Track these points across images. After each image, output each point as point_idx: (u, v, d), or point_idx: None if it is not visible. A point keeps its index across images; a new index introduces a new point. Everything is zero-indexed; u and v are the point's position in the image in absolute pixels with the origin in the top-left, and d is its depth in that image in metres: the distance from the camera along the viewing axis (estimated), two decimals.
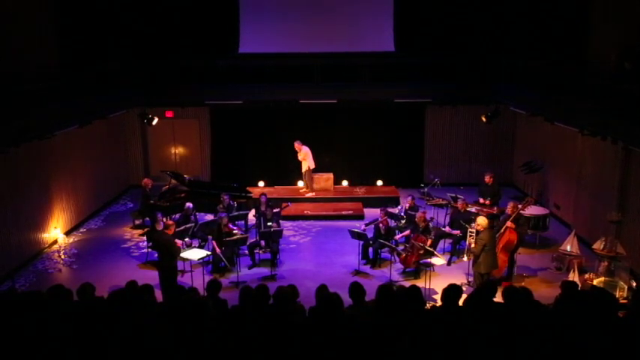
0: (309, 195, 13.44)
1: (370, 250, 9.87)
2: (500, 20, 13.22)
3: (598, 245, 8.66)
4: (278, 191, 13.84)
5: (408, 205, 10.80)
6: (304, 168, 13.29)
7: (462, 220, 9.97)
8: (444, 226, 10.54)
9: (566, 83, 10.20)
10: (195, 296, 5.66)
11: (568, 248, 9.11)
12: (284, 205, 11.47)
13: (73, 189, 11.79)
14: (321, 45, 13.94)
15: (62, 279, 9.20)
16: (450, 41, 13.60)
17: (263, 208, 10.51)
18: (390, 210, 10.83)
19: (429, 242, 9.36)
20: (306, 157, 13.09)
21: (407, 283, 8.20)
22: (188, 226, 9.58)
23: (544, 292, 8.59)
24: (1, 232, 9.26)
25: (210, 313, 5.00)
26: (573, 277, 8.58)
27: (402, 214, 10.68)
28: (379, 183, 14.52)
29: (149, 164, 15.30)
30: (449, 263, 9.80)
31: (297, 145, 12.99)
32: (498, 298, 5.18)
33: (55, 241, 10.98)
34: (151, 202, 11.20)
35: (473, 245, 8.58)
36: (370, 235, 9.94)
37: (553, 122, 10.78)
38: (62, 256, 10.45)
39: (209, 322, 4.58)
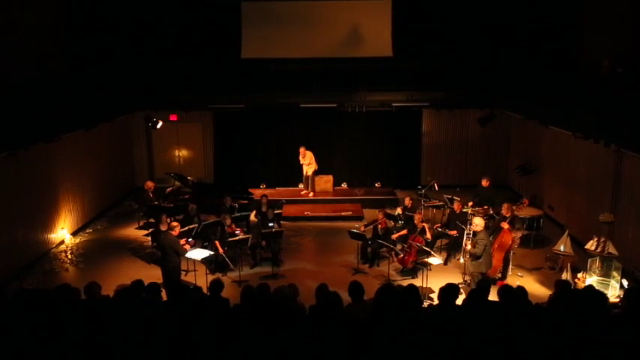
0: (311, 195, 13.73)
1: (369, 250, 10.09)
2: (496, 26, 13.45)
3: (590, 245, 8.79)
4: (279, 193, 14.09)
5: (406, 203, 11.05)
6: (310, 171, 13.58)
7: (458, 221, 10.19)
8: (441, 227, 10.76)
9: (559, 88, 10.45)
10: (199, 295, 5.89)
11: (561, 248, 9.22)
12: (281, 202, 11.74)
13: (79, 190, 12.00)
14: (321, 50, 14.20)
15: (69, 278, 9.35)
16: (447, 47, 13.83)
17: (264, 209, 10.76)
18: (389, 211, 11.06)
19: (429, 237, 9.59)
20: (312, 162, 13.42)
21: (405, 283, 8.40)
22: (192, 226, 9.80)
23: (538, 291, 8.83)
24: (9, 233, 9.43)
25: (213, 311, 5.21)
26: (566, 276, 8.76)
27: (401, 214, 10.91)
28: (377, 185, 14.80)
29: (153, 166, 15.53)
30: (446, 263, 10.00)
31: (302, 150, 13.33)
32: (494, 297, 5.35)
33: (62, 242, 11.19)
34: (155, 203, 11.41)
35: (469, 246, 8.80)
36: (368, 235, 10.18)
37: (547, 126, 11.02)
38: (69, 256, 10.64)
39: (211, 320, 4.78)
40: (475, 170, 14.26)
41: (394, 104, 14.11)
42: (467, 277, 9.17)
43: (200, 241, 9.80)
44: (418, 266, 9.33)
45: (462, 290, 6.43)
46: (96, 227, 12.39)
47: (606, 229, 9.02)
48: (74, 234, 11.68)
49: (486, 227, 9.00)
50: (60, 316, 4.76)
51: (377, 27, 14.38)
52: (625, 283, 8.25)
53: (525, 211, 10.69)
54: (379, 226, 10.13)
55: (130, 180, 15.06)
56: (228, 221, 9.80)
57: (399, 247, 9.71)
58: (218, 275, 9.27)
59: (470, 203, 11.14)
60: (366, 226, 10.53)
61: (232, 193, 11.58)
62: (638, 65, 8.81)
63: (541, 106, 11.11)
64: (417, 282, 8.60)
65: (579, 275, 8.83)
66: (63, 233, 11.23)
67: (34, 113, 9.22)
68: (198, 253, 9.08)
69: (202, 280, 8.83)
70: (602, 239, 8.69)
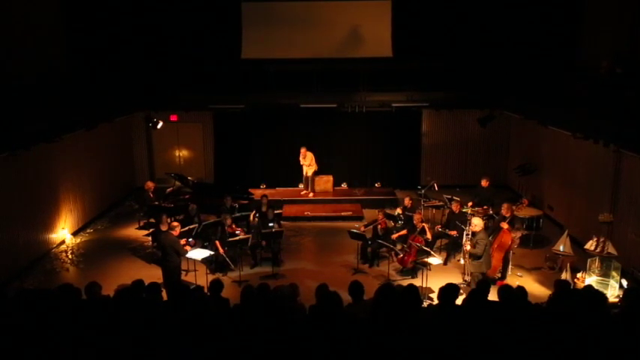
0: (311, 195, 13.76)
1: (369, 250, 10.11)
2: (495, 28, 13.49)
3: (590, 245, 8.83)
4: (279, 193, 14.13)
5: (406, 204, 11.07)
6: (310, 172, 13.61)
7: (457, 221, 10.21)
8: (441, 227, 10.78)
9: (559, 88, 10.48)
10: (200, 294, 5.90)
11: (561, 248, 9.24)
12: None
13: (80, 191, 12.03)
14: (321, 51, 14.23)
15: (70, 278, 9.38)
16: (446, 47, 13.86)
17: (264, 209, 10.79)
18: (389, 212, 11.08)
19: (429, 237, 9.60)
20: (312, 163, 13.47)
21: (405, 283, 8.41)
22: (192, 226, 9.83)
23: (538, 291, 8.85)
24: (10, 233, 9.46)
25: (213, 311, 5.23)
26: (566, 276, 8.79)
27: (401, 215, 10.93)
28: (377, 185, 14.83)
29: (154, 167, 15.56)
30: (445, 263, 10.02)
31: (303, 151, 13.37)
32: (494, 296, 5.37)
33: (63, 242, 11.22)
34: (156, 203, 11.45)
35: (468, 247, 8.83)
36: (368, 235, 10.20)
37: (547, 126, 11.05)
38: (70, 256, 10.68)
39: (211, 320, 4.79)
40: (475, 170, 14.29)
41: (394, 104, 14.13)
42: (467, 277, 9.19)
43: (200, 241, 9.82)
44: (418, 266, 9.36)
45: (461, 290, 6.45)
46: (96, 227, 12.42)
47: (606, 229, 9.05)
48: (75, 234, 11.71)
49: (486, 227, 9.01)
50: (60, 316, 4.78)
51: (377, 27, 14.40)
52: (624, 282, 8.27)
53: (525, 211, 10.72)
54: (379, 226, 10.16)
55: (131, 180, 15.09)
56: (228, 221, 9.83)
57: (398, 247, 9.74)
58: (218, 275, 9.30)
59: (470, 203, 11.18)
60: (365, 226, 10.56)
61: (232, 193, 11.61)
62: (637, 65, 8.84)
63: (541, 106, 11.15)
64: (417, 282, 8.62)
65: (579, 275, 8.86)
66: (64, 233, 11.26)
67: (34, 113, 9.24)
68: (199, 253, 9.11)
69: (202, 280, 8.86)
70: (601, 239, 8.72)
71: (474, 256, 8.59)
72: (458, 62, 13.63)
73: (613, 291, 8.21)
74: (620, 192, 9.51)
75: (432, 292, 8.63)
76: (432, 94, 13.90)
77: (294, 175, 14.35)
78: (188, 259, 9.21)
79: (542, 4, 12.39)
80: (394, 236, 10.17)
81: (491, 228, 9.63)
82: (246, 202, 12.03)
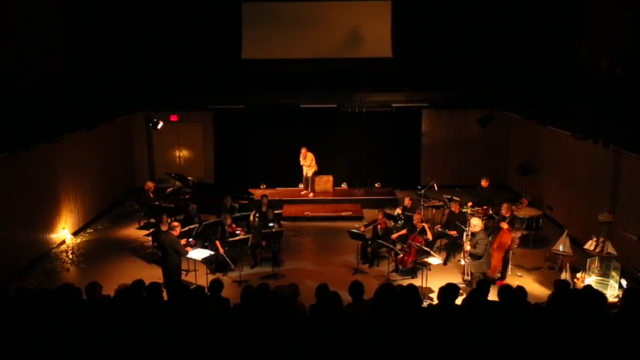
0: (311, 196, 13.77)
1: (368, 250, 10.12)
2: (495, 28, 13.49)
3: (589, 245, 8.84)
4: (279, 193, 14.13)
5: (405, 204, 11.08)
6: (310, 172, 13.63)
7: (457, 221, 10.21)
8: (441, 227, 10.78)
9: (559, 88, 10.49)
10: (200, 294, 5.91)
11: (560, 248, 9.25)
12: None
13: (80, 191, 12.04)
14: (322, 51, 14.24)
15: (70, 278, 9.38)
16: (446, 47, 13.86)
17: (264, 209, 10.80)
18: (389, 212, 11.09)
19: (429, 237, 9.59)
20: (312, 163, 13.49)
21: (405, 283, 8.42)
22: (192, 226, 9.84)
23: (537, 290, 8.86)
24: (11, 233, 9.46)
25: (213, 311, 5.24)
26: (565, 276, 8.80)
27: (401, 215, 10.94)
28: (377, 185, 14.83)
29: (154, 167, 15.58)
30: (445, 263, 10.02)
31: (304, 151, 13.38)
32: (494, 296, 5.38)
33: (63, 242, 11.23)
34: (156, 203, 11.46)
35: (468, 247, 8.84)
36: (368, 235, 10.20)
37: (546, 126, 11.06)
38: (70, 256, 10.68)
39: (211, 320, 4.80)
40: (475, 170, 14.30)
41: (394, 104, 14.14)
42: (467, 277, 9.19)
43: (200, 241, 9.83)
44: (418, 266, 9.36)
45: (461, 290, 6.46)
46: (97, 227, 12.43)
47: (605, 228, 9.05)
48: (75, 234, 11.72)
49: (486, 227, 9.00)
50: (61, 315, 4.78)
51: (377, 28, 14.41)
52: (624, 282, 8.27)
53: (525, 211, 10.72)
54: (379, 226, 10.17)
55: (131, 180, 15.10)
56: (228, 221, 9.83)
57: (398, 247, 9.74)
58: (218, 275, 9.30)
59: (469, 203, 11.18)
60: (365, 226, 10.56)
61: (233, 193, 11.62)
62: (637, 65, 8.85)
63: (541, 106, 11.15)
64: (417, 282, 8.63)
65: (578, 275, 8.88)
66: (64, 233, 11.27)
67: (35, 113, 9.25)
68: (199, 253, 9.12)
69: (202, 280, 8.86)
70: (601, 239, 8.72)
71: (474, 256, 8.59)
72: (458, 62, 13.62)
73: (612, 291, 8.21)
74: (619, 192, 9.52)
75: (432, 292, 8.63)
76: (432, 94, 13.90)
77: (294, 175, 14.36)
78: (188, 259, 9.22)
79: (542, 5, 12.40)
80: (394, 236, 10.17)
81: (491, 228, 9.64)
82: (246, 202, 12.03)
